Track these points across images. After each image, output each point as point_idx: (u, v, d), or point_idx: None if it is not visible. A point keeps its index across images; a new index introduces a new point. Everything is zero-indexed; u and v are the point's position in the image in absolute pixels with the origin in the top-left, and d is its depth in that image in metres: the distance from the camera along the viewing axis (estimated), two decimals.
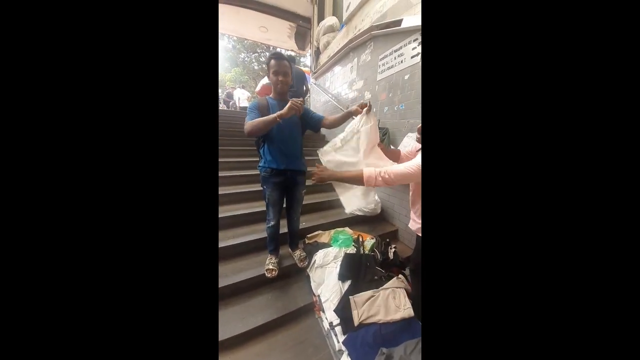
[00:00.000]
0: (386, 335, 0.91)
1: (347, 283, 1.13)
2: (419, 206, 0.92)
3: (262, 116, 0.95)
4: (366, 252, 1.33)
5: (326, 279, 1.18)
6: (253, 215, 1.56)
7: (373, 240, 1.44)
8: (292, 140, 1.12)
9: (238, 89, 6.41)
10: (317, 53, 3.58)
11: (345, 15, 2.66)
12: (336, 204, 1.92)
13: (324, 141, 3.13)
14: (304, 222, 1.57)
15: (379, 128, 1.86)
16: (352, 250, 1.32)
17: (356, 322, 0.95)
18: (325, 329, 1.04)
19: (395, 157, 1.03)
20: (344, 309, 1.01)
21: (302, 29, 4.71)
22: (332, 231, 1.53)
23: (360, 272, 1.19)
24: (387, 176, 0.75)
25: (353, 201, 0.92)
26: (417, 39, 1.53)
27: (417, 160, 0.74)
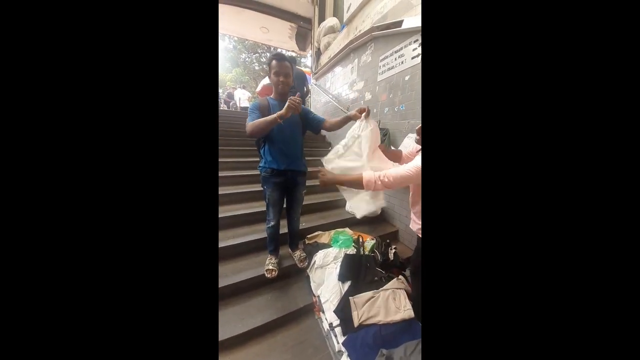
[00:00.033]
0: (386, 336, 0.90)
1: (347, 284, 1.13)
2: (419, 207, 0.92)
3: (263, 117, 0.96)
4: (366, 252, 1.33)
5: (326, 279, 1.18)
6: (253, 215, 1.56)
7: (373, 241, 1.44)
8: (292, 140, 1.12)
9: (239, 89, 6.42)
10: (318, 54, 3.59)
11: (346, 16, 2.67)
12: (336, 205, 1.92)
13: (324, 142, 3.14)
14: (304, 223, 1.57)
15: (380, 129, 1.86)
16: (352, 250, 1.32)
17: (356, 323, 0.95)
18: (325, 329, 1.04)
19: (397, 158, 1.04)
20: (343, 310, 1.01)
21: (303, 30, 4.72)
22: (332, 232, 1.53)
23: (361, 273, 1.19)
24: (386, 179, 0.75)
25: (362, 206, 0.92)
26: (417, 40, 1.53)
27: (416, 162, 0.74)
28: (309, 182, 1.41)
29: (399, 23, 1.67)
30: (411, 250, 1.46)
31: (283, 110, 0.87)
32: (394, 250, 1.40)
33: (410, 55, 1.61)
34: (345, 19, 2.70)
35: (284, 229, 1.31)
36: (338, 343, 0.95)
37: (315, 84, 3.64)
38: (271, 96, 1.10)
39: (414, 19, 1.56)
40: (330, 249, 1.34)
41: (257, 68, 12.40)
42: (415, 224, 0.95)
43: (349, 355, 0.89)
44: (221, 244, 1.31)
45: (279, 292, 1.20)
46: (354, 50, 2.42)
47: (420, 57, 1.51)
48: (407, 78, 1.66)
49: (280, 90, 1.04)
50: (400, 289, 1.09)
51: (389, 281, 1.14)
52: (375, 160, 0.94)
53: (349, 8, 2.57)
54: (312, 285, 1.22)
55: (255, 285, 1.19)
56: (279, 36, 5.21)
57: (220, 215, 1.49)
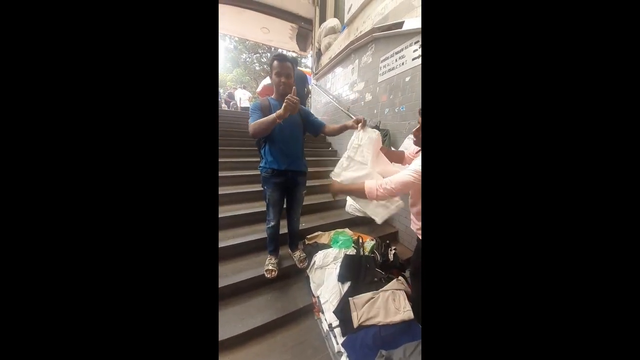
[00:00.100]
0: (386, 337, 0.90)
1: (347, 284, 1.13)
2: (418, 207, 0.92)
3: (264, 117, 0.96)
4: (366, 253, 1.33)
5: (326, 280, 1.18)
6: (253, 215, 1.56)
7: (373, 242, 1.44)
8: (293, 140, 1.12)
9: (239, 89, 6.43)
10: (319, 54, 3.59)
11: (346, 17, 2.67)
12: (336, 205, 1.92)
13: (325, 142, 3.14)
14: (304, 223, 1.57)
15: (380, 130, 1.87)
16: (352, 251, 1.32)
17: (355, 324, 0.95)
18: (325, 330, 1.04)
19: (400, 159, 1.04)
20: (343, 311, 1.01)
21: (304, 30, 4.73)
22: (332, 232, 1.53)
23: (360, 274, 1.19)
24: (388, 187, 0.74)
25: (380, 211, 0.93)
26: (418, 41, 1.54)
27: (415, 166, 0.73)
28: (309, 183, 1.41)
29: (400, 24, 1.67)
30: (411, 251, 1.46)
31: (281, 110, 0.86)
32: (393, 251, 1.40)
33: (410, 56, 1.61)
34: (346, 20, 2.70)
35: (284, 229, 1.31)
36: (337, 344, 0.95)
37: (316, 85, 3.65)
38: (272, 96, 1.11)
39: (414, 20, 1.56)
40: (330, 249, 1.34)
41: (257, 68, 12.42)
42: (415, 225, 0.95)
43: (348, 356, 0.88)
44: (221, 244, 1.31)
45: (278, 292, 1.20)
46: (355, 51, 2.43)
47: (420, 58, 1.52)
48: (407, 79, 1.66)
49: (282, 90, 1.04)
50: (399, 290, 1.09)
51: (389, 282, 1.14)
52: (380, 165, 0.96)
53: (349, 9, 2.57)
54: (312, 285, 1.22)
55: (255, 286, 1.19)
56: (280, 37, 5.22)
57: (220, 215, 1.49)
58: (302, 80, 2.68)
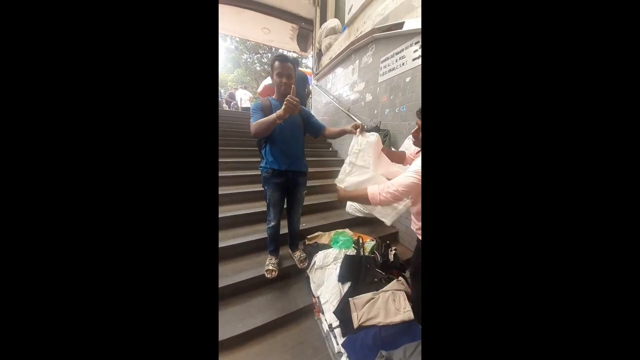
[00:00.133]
0: (386, 337, 0.90)
1: (347, 285, 1.13)
2: (418, 207, 0.92)
3: (265, 117, 0.96)
4: (366, 253, 1.33)
5: (326, 280, 1.18)
6: (254, 215, 1.57)
7: (373, 242, 1.44)
8: (293, 141, 1.12)
9: (240, 89, 6.44)
10: (319, 55, 3.60)
11: (347, 18, 2.67)
12: (336, 205, 1.92)
13: (325, 142, 3.14)
14: (304, 223, 1.57)
15: (381, 130, 1.87)
16: (352, 251, 1.32)
17: (356, 325, 0.95)
18: (325, 330, 1.04)
19: (401, 159, 1.04)
20: (343, 311, 1.01)
21: (304, 31, 4.74)
22: (332, 232, 1.53)
23: (360, 274, 1.18)
24: (391, 190, 0.73)
25: (387, 212, 0.94)
26: (418, 42, 1.54)
27: (415, 167, 0.73)
28: (309, 183, 1.41)
29: (400, 25, 1.68)
30: (411, 251, 1.46)
31: (281, 111, 0.86)
32: (394, 252, 1.40)
33: (411, 56, 1.62)
34: (346, 21, 2.70)
35: (284, 230, 1.31)
36: (337, 344, 0.95)
37: (316, 85, 3.65)
38: (273, 97, 1.11)
39: (415, 21, 1.57)
40: (330, 249, 1.34)
41: (258, 69, 12.44)
42: (415, 225, 0.95)
43: (348, 357, 0.88)
44: (221, 244, 1.31)
45: (278, 292, 1.20)
46: (355, 51, 2.43)
47: (421, 58, 1.52)
48: (408, 79, 1.66)
49: (283, 91, 1.04)
50: (400, 290, 1.09)
51: (389, 282, 1.14)
52: (382, 168, 0.97)
53: (350, 9, 2.58)
54: (312, 286, 1.22)
55: (255, 286, 1.19)
56: (281, 37, 5.23)
57: (220, 215, 1.49)
58: (303, 80, 2.68)
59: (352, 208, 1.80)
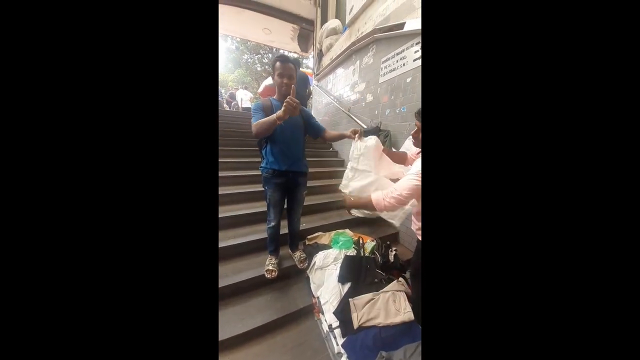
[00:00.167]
0: (386, 338, 0.90)
1: (347, 285, 1.13)
2: (418, 208, 0.92)
3: (266, 117, 0.96)
4: (366, 254, 1.33)
5: (326, 280, 1.18)
6: (254, 215, 1.57)
7: (373, 243, 1.43)
8: (294, 141, 1.12)
9: (241, 89, 6.45)
10: (320, 55, 3.60)
11: (348, 18, 2.68)
12: (337, 206, 1.92)
13: (326, 143, 3.14)
14: (305, 223, 1.57)
15: (381, 130, 1.87)
16: (352, 252, 1.32)
17: (356, 325, 0.95)
18: (325, 331, 1.03)
19: (403, 159, 1.05)
20: (343, 312, 1.01)
21: (305, 31, 4.74)
22: (333, 233, 1.53)
23: (361, 275, 1.18)
24: (395, 195, 0.73)
25: (396, 212, 0.95)
26: (419, 42, 1.54)
27: (416, 169, 0.73)
28: (309, 183, 1.41)
29: (401, 25, 1.68)
30: (411, 252, 1.45)
31: (280, 112, 0.86)
32: (394, 252, 1.39)
33: (411, 57, 1.62)
34: (347, 21, 2.71)
35: (284, 230, 1.31)
36: (337, 345, 0.95)
37: (317, 85, 3.65)
38: (274, 97, 1.11)
39: (415, 22, 1.57)
40: (331, 250, 1.33)
41: (259, 69, 12.46)
42: (415, 225, 0.95)
43: (348, 357, 0.88)
44: (222, 244, 1.31)
45: (278, 292, 1.20)
46: (356, 52, 2.43)
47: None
48: (408, 80, 1.66)
49: (284, 91, 1.04)
50: (400, 291, 1.08)
51: (389, 283, 1.14)
52: (384, 169, 0.98)
53: (351, 10, 2.58)
54: (312, 286, 1.21)
55: (255, 286, 1.19)
56: (281, 37, 5.24)
57: (220, 215, 1.49)
58: (304, 81, 2.68)
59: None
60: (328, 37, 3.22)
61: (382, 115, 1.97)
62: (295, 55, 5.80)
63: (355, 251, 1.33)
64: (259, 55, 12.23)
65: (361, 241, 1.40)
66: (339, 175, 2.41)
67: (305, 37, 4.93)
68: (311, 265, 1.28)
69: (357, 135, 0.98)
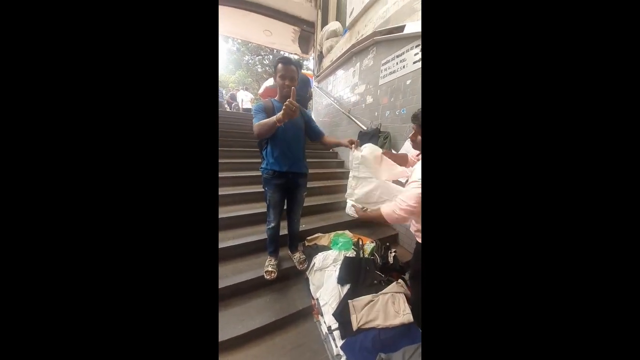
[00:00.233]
0: (385, 340, 0.90)
1: (346, 287, 1.13)
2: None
3: (268, 118, 0.97)
4: (366, 255, 1.33)
5: (325, 282, 1.18)
6: (254, 216, 1.57)
7: (373, 244, 1.43)
8: (295, 142, 1.13)
9: (241, 90, 6.47)
10: (320, 57, 3.62)
11: (348, 21, 2.69)
12: (336, 207, 1.92)
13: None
14: (304, 225, 1.57)
15: (381, 132, 1.87)
16: (351, 253, 1.32)
17: (355, 327, 0.95)
18: (324, 333, 1.03)
19: (404, 161, 1.05)
20: (342, 313, 1.01)
21: (306, 33, 4.77)
22: (332, 234, 1.53)
23: (360, 276, 1.18)
24: (404, 206, 0.73)
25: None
26: (419, 45, 1.55)
27: (418, 175, 0.73)
28: (309, 184, 1.41)
29: (401, 28, 1.69)
30: (411, 253, 1.45)
31: (280, 115, 0.86)
32: (393, 254, 1.39)
33: (411, 59, 1.62)
34: (347, 23, 2.72)
35: (284, 231, 1.31)
36: (336, 347, 0.95)
37: (317, 87, 3.67)
38: (275, 98, 1.12)
39: (415, 24, 1.58)
40: (330, 251, 1.33)
41: (259, 70, 12.49)
42: (414, 226, 0.95)
43: (347, 359, 0.88)
44: (221, 245, 1.31)
45: (278, 294, 1.20)
46: (356, 54, 2.44)
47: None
48: (408, 82, 1.67)
49: (285, 93, 1.05)
50: (399, 292, 1.08)
51: (389, 285, 1.13)
52: (385, 173, 1.01)
53: (351, 12, 2.60)
54: (311, 287, 1.21)
55: (254, 287, 1.19)
56: (282, 39, 5.26)
57: (221, 216, 1.49)
58: (305, 83, 2.70)
59: (352, 210, 1.80)
60: (328, 39, 3.23)
61: (382, 117, 1.98)
62: (296, 57, 5.82)
63: (355, 252, 1.33)
64: (260, 57, 12.27)
65: (360, 242, 1.40)
66: (339, 176, 2.43)
67: (305, 39, 4.95)
68: (310, 266, 1.28)
69: (353, 145, 1.00)
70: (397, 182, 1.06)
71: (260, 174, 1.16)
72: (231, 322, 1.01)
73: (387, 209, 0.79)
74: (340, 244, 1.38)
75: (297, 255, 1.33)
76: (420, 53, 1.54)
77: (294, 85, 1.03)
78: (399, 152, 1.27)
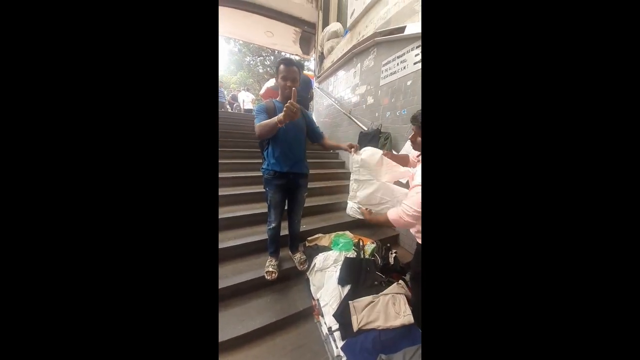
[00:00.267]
0: (385, 341, 0.90)
1: (347, 287, 1.12)
2: None
3: (270, 118, 0.97)
4: (366, 256, 1.32)
5: (326, 282, 1.18)
6: (254, 216, 1.57)
7: (374, 245, 1.43)
8: (296, 143, 1.13)
9: (243, 91, 6.50)
10: (321, 58, 3.63)
11: (349, 22, 2.70)
12: (337, 207, 1.92)
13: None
14: (305, 225, 1.57)
15: (382, 132, 1.87)
16: (352, 254, 1.32)
17: (355, 328, 0.95)
18: (324, 334, 1.03)
19: (404, 162, 1.06)
20: (343, 314, 1.00)
21: (307, 34, 4.79)
22: (333, 234, 1.53)
23: (360, 277, 1.18)
24: (411, 213, 0.75)
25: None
26: (419, 46, 1.55)
27: (420, 180, 0.74)
28: (310, 185, 1.41)
29: (402, 29, 1.69)
30: (412, 254, 1.45)
31: (281, 116, 0.87)
32: (394, 255, 1.39)
33: (412, 60, 1.62)
34: (348, 24, 2.73)
35: (284, 231, 1.31)
36: (337, 348, 0.94)
37: (318, 87, 3.67)
38: (277, 99, 1.12)
39: (416, 25, 1.58)
40: (331, 252, 1.33)
41: (261, 71, 12.54)
42: (415, 228, 0.95)
43: None
44: (222, 245, 1.31)
45: (278, 294, 1.20)
46: (357, 55, 2.45)
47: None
48: (409, 83, 1.67)
49: (287, 94, 1.05)
50: (400, 294, 1.08)
51: (389, 286, 1.13)
52: (386, 174, 1.01)
53: (352, 13, 2.60)
54: (312, 288, 1.21)
55: (255, 287, 1.19)
56: (283, 40, 5.28)
57: (221, 216, 1.49)
58: (307, 84, 2.70)
59: (353, 210, 1.80)
60: (329, 40, 3.24)
61: (382, 118, 1.98)
62: (297, 58, 5.84)
63: (355, 253, 1.32)
64: (261, 58, 12.31)
65: (361, 243, 1.40)
66: (340, 177, 2.43)
67: (307, 40, 4.97)
68: (311, 267, 1.28)
69: (353, 149, 1.02)
70: (397, 182, 1.07)
71: (261, 174, 1.16)
72: (231, 323, 1.01)
73: (394, 215, 0.81)
74: (340, 244, 1.37)
75: (298, 256, 1.33)
76: (420, 54, 1.54)
77: (295, 86, 1.03)
78: (400, 153, 1.27)
